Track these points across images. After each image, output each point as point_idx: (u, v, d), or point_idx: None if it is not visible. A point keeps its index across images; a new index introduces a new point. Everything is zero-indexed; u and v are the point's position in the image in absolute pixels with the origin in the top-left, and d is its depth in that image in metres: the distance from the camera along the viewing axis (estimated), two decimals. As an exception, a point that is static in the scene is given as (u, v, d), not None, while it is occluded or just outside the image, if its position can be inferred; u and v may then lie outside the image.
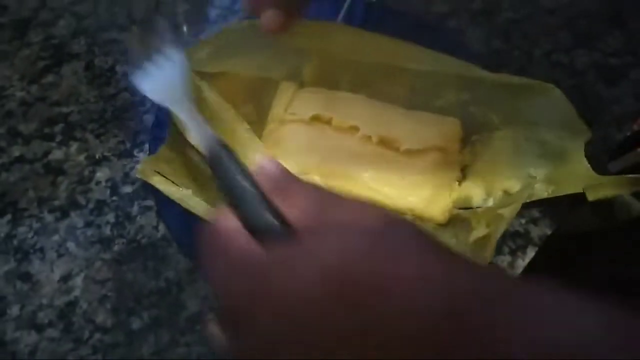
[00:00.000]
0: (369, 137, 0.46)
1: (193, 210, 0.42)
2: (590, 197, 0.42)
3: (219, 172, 0.27)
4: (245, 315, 0.22)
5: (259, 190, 0.25)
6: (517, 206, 0.41)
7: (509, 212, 0.41)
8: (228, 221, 0.25)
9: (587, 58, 0.59)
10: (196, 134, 0.29)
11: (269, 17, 0.37)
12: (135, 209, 0.51)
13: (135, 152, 0.55)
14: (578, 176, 0.42)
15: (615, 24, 0.60)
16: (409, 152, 0.46)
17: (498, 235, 0.41)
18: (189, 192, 0.44)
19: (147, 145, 0.54)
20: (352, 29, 0.47)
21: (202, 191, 0.44)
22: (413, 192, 0.46)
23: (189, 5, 0.63)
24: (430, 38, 0.55)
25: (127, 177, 0.53)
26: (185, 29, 0.63)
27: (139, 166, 0.45)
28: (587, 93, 0.57)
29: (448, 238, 0.45)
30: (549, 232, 0.50)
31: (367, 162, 0.46)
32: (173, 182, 0.44)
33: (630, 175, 0.41)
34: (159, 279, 0.48)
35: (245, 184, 0.25)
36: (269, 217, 0.24)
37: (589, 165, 0.42)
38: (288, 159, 0.46)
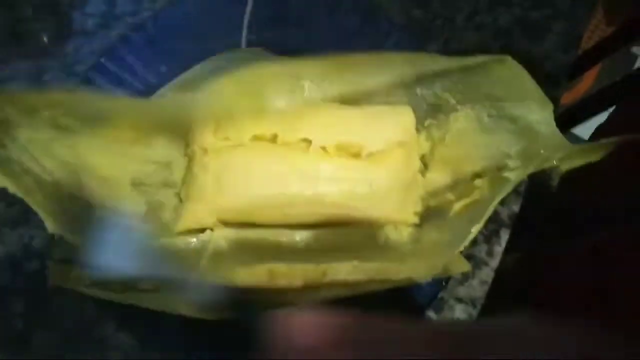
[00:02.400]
0: (324, 148, 0.40)
1: None
2: (564, 167, 0.40)
3: None
4: None
5: None
6: (526, 171, 0.38)
7: (516, 175, 0.37)
8: None
9: (509, 16, 0.56)
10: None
11: None
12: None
13: (30, 215, 0.43)
14: (553, 148, 0.39)
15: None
16: (372, 155, 0.41)
17: (498, 199, 0.37)
18: None
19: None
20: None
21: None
22: (382, 199, 0.41)
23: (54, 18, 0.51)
24: (348, 12, 0.50)
25: (28, 250, 0.42)
26: (45, 40, 0.51)
27: (49, 270, 0.35)
28: (517, 53, 0.54)
29: (427, 236, 0.41)
30: (517, 209, 0.48)
31: (328, 178, 0.40)
32: None
33: (602, 141, 0.39)
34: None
35: None
36: None
37: (562, 136, 0.40)
38: (236, 196, 0.39)
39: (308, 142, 0.40)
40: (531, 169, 0.39)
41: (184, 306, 0.35)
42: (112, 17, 0.51)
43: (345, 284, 0.35)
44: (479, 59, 0.41)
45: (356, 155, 0.41)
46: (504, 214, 0.47)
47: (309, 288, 0.35)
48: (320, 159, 0.40)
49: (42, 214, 0.34)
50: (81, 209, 0.38)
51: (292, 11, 0.50)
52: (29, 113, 0.37)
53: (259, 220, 0.40)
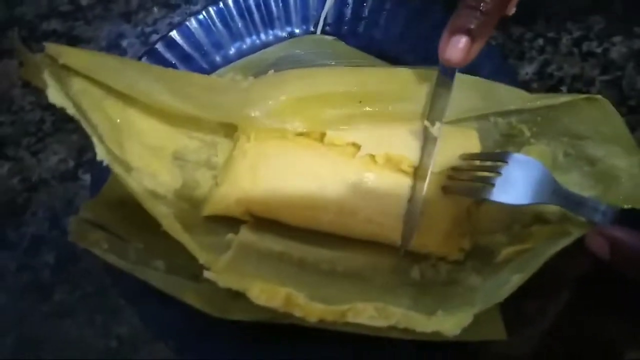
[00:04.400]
0: (373, 157, 0.37)
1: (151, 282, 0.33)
2: None
3: None
4: None
5: None
6: (589, 226, 0.32)
7: (580, 230, 0.32)
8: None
9: (625, 47, 0.49)
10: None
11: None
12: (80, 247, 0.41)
13: (80, 174, 0.45)
14: (634, 201, 0.33)
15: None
16: (422, 175, 0.37)
17: (552, 251, 0.31)
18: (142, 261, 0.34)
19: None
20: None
21: (153, 243, 0.34)
22: (427, 226, 0.37)
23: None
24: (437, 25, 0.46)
25: (70, 206, 0.43)
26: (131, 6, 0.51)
27: (70, 224, 0.33)
28: (626, 91, 0.47)
29: (467, 280, 0.36)
30: (588, 265, 0.41)
31: (370, 191, 0.36)
32: (121, 238, 0.35)
33: None
34: (109, 337, 0.39)
35: None
36: None
37: None
38: (269, 190, 0.37)
39: (357, 147, 0.37)
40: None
41: (192, 295, 0.34)
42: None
43: (364, 327, 0.32)
44: (566, 97, 0.36)
45: (406, 171, 0.37)
46: (570, 269, 0.41)
47: (325, 323, 0.32)
48: (365, 167, 0.37)
49: (95, 139, 0.32)
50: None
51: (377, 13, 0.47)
52: (89, 69, 0.37)
53: (288, 219, 0.37)
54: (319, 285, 0.35)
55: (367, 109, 0.38)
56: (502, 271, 0.33)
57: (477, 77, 0.39)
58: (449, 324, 0.31)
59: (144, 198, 0.32)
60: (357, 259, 0.37)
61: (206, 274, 0.31)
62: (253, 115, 0.38)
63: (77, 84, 0.36)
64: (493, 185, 0.33)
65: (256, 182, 0.37)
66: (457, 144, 0.38)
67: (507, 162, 0.34)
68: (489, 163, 0.35)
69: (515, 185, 0.33)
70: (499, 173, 0.34)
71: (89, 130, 0.32)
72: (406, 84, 0.39)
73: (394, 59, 0.45)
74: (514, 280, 0.31)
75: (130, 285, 0.36)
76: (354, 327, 0.32)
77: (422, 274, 0.37)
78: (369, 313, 0.31)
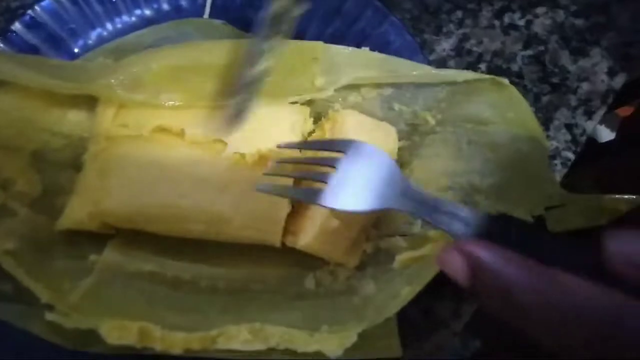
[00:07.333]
0: (243, 156, 0.32)
1: None
2: (552, 227, 0.30)
3: None
4: None
5: None
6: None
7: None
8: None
9: (549, 19, 0.45)
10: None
11: None
12: None
13: None
14: (540, 192, 0.31)
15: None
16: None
17: None
18: None
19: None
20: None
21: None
22: (331, 231, 0.32)
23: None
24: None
25: None
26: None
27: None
28: (550, 67, 0.44)
29: (365, 289, 0.32)
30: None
31: (242, 195, 0.31)
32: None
33: (607, 196, 0.29)
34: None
35: None
36: None
37: (556, 180, 0.31)
38: (121, 201, 0.31)
39: (223, 144, 0.32)
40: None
41: (42, 327, 0.29)
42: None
43: (240, 352, 0.28)
44: (471, 76, 0.32)
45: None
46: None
47: (193, 352, 0.28)
48: (234, 168, 0.32)
49: None
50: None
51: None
52: None
53: (155, 232, 0.33)
54: (195, 308, 0.30)
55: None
56: (395, 281, 0.30)
57: (375, 52, 0.35)
58: (332, 343, 0.27)
59: None
60: (241, 272, 0.32)
61: (48, 316, 0.27)
62: (114, 81, 0.32)
63: None
64: (325, 183, 0.26)
65: (107, 192, 0.32)
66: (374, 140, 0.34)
67: (344, 153, 0.26)
68: (320, 153, 0.28)
69: (354, 185, 0.26)
70: (333, 167, 0.26)
71: None
72: (297, 57, 0.35)
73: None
74: (403, 294, 0.28)
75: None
76: (229, 354, 0.28)
77: (317, 282, 0.33)
78: (243, 337, 0.28)
